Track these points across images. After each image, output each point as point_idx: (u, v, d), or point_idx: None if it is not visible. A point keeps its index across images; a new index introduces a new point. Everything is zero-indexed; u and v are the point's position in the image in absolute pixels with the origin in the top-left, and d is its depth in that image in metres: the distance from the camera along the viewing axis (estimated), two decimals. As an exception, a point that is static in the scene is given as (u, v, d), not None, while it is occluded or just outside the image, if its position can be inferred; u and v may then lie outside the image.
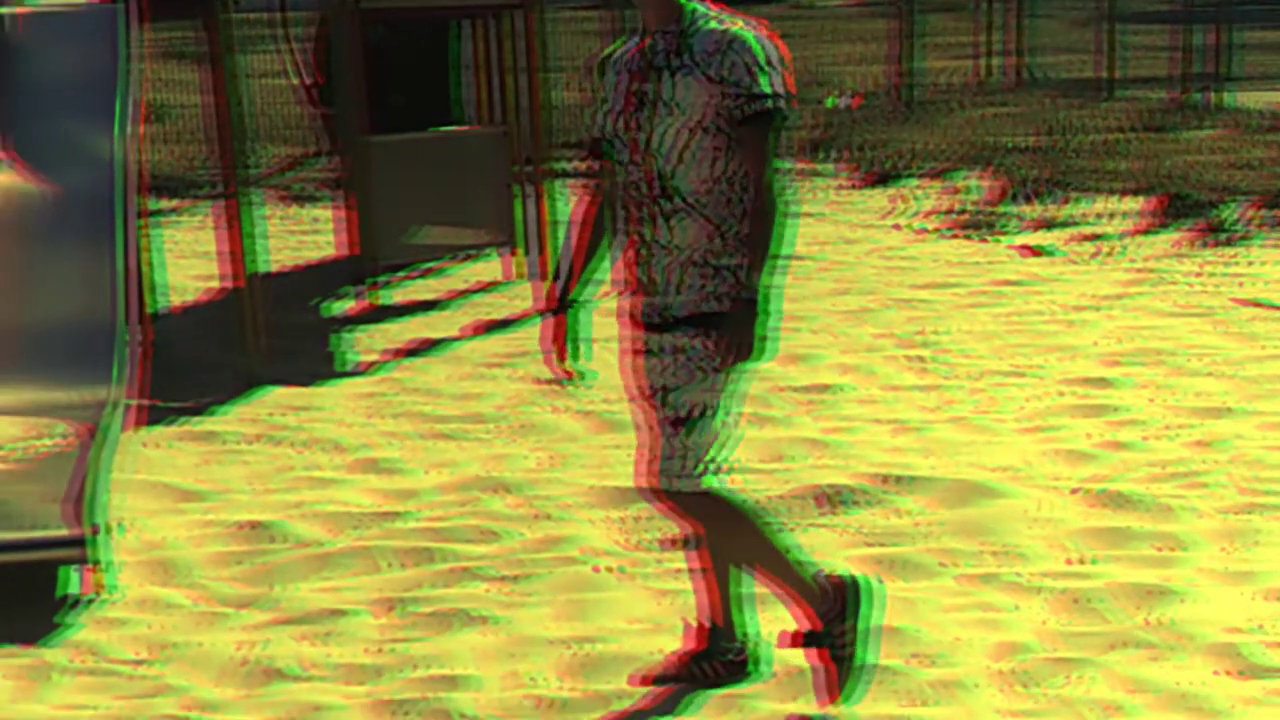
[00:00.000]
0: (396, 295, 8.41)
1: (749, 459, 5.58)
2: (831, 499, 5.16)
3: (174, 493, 5.37)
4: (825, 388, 6.52)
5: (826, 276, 8.78)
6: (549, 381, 3.85)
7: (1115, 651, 4.00)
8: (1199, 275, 8.53)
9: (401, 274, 8.80)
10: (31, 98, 6.13)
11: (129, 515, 5.10)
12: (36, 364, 5.44)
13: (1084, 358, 6.92)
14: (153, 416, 6.07)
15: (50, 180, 5.89)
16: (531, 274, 8.49)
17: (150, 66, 7.95)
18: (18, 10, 6.36)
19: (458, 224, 8.55)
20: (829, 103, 16.33)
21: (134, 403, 5.34)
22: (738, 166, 3.49)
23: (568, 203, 9.41)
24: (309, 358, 7.17)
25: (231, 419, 6.23)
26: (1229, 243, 9.31)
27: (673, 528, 4.48)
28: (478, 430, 6.05)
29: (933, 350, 7.09)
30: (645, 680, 3.87)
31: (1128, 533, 4.81)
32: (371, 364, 7.10)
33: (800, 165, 12.60)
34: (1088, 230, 9.83)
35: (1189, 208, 10.17)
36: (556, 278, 3.80)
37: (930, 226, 10.21)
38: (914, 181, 11.78)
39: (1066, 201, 10.73)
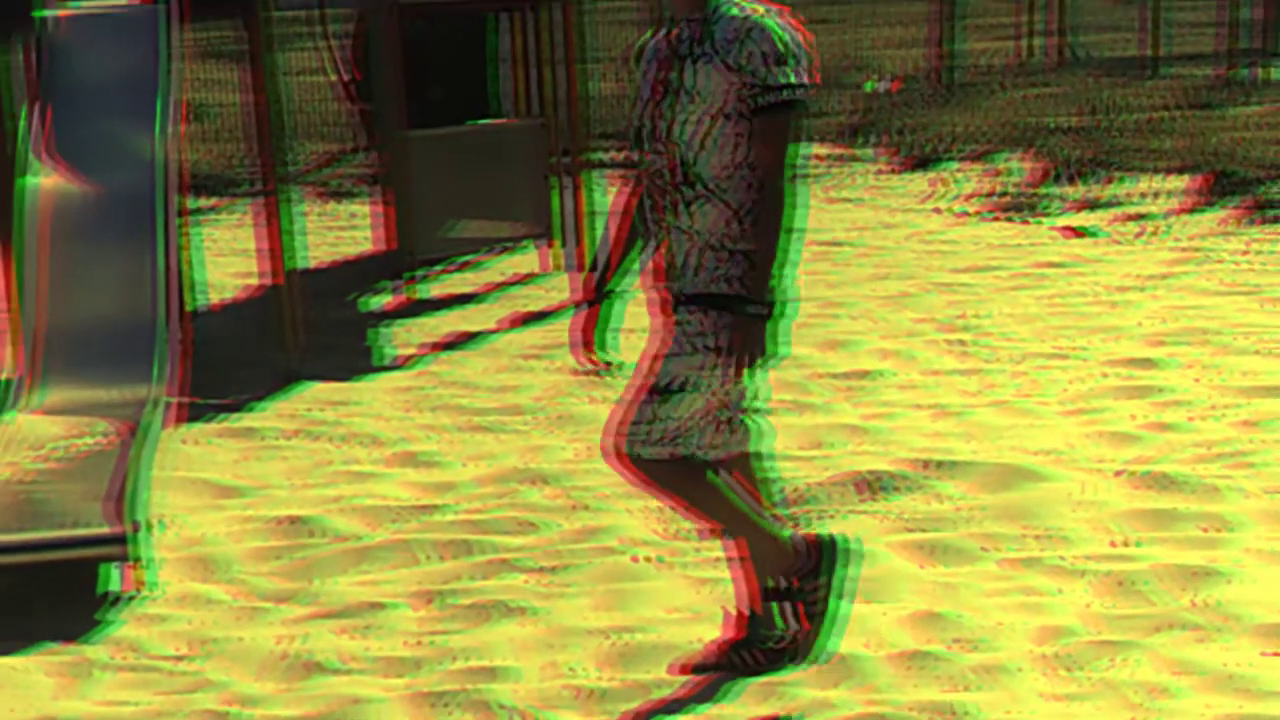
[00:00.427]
0: (434, 289, 8.41)
1: (788, 446, 5.55)
2: (872, 485, 5.12)
3: (213, 489, 5.39)
4: (865, 373, 6.47)
5: (866, 262, 8.72)
6: (586, 372, 3.82)
7: (1161, 634, 3.95)
8: (1245, 253, 8.42)
9: (439, 268, 8.81)
10: (74, 98, 6.16)
11: (169, 512, 5.12)
12: (79, 362, 5.48)
13: (1128, 339, 6.83)
14: (192, 413, 6.10)
15: (92, 180, 5.92)
16: (569, 265, 8.48)
17: (189, 66, 7.98)
18: (61, 12, 6.40)
19: (495, 217, 8.55)
20: (868, 87, 16.22)
21: (174, 400, 5.36)
22: (758, 149, 3.48)
23: (605, 194, 9.39)
24: (347, 353, 7.19)
25: (270, 415, 6.25)
26: (1276, 220, 9.18)
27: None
28: (515, 422, 6.04)
29: (974, 334, 7.02)
30: (685, 669, 3.85)
31: (1173, 514, 4.75)
32: (409, 358, 7.11)
33: (839, 150, 12.53)
34: (1132, 210, 9.72)
35: (1235, 185, 10.03)
36: (594, 268, 3.80)
37: (971, 209, 10.12)
38: (954, 164, 11.68)
39: (1110, 181, 10.61)
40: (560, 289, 8.26)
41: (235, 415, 6.23)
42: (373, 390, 6.57)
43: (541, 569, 4.57)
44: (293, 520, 5.04)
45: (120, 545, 4.44)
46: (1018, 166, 11.36)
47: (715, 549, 4.49)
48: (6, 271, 6.33)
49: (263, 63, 6.77)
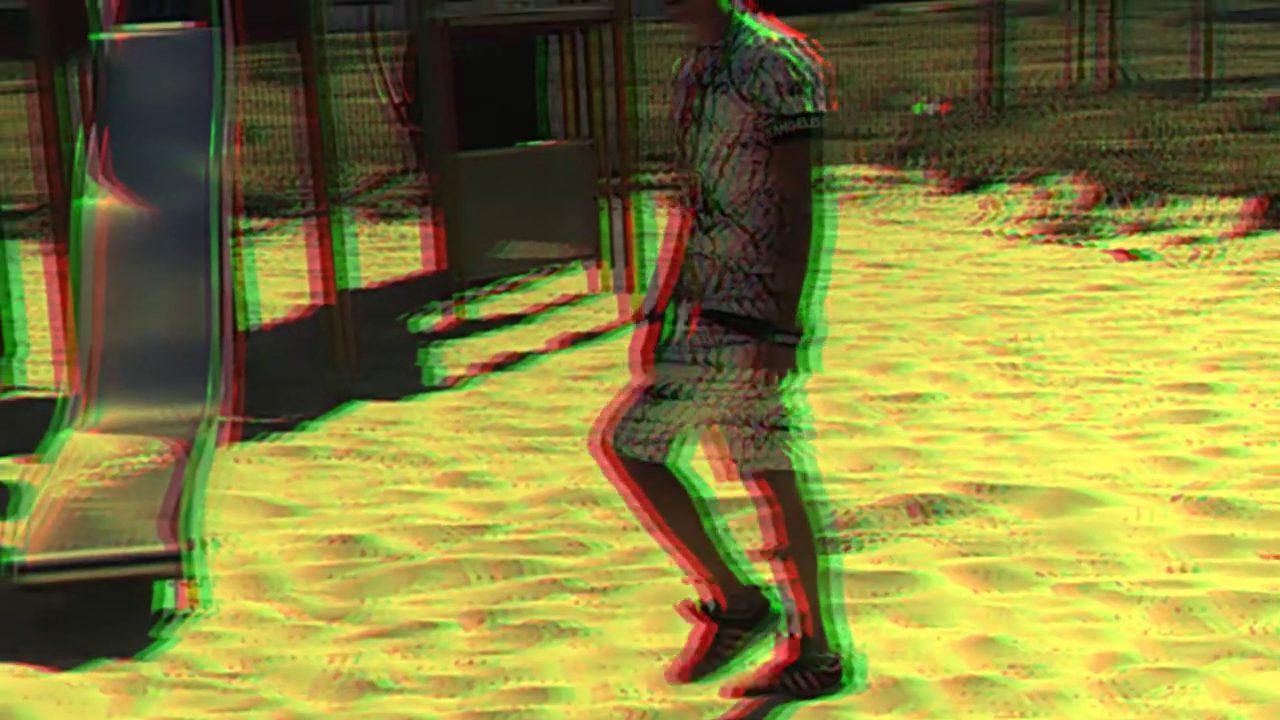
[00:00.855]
0: (483, 310, 8.44)
1: (839, 468, 5.53)
2: (925, 508, 5.08)
3: (266, 507, 5.42)
4: (916, 396, 6.43)
5: (916, 284, 8.68)
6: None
7: (1220, 661, 3.90)
8: (1301, 277, 8.33)
9: (488, 288, 8.84)
10: (131, 120, 6.23)
11: (222, 530, 5.15)
12: (134, 381, 5.52)
13: (1183, 363, 6.77)
14: (245, 432, 6.14)
15: (148, 201, 5.98)
16: (617, 287, 8.48)
17: (241, 88, 8.03)
18: (117, 35, 6.48)
19: (543, 238, 8.57)
20: (917, 109, 16.17)
21: (227, 419, 5.40)
22: (779, 176, 3.51)
23: (653, 215, 9.40)
24: (397, 373, 7.22)
25: (321, 434, 6.28)
26: (1332, 243, 9.08)
27: (759, 540, 4.44)
28: (565, 443, 6.04)
29: (1026, 357, 6.97)
30: (737, 692, 3.83)
31: (1231, 540, 4.69)
32: (459, 378, 7.13)
33: (888, 172, 12.49)
34: (1185, 233, 9.63)
35: (1290, 209, 9.93)
36: (650, 288, 3.84)
37: (1022, 232, 10.06)
38: (1005, 187, 11.62)
39: (1163, 204, 10.52)
40: (609, 310, 8.27)
41: (287, 434, 6.26)
42: (423, 410, 6.60)
43: (592, 590, 4.56)
44: (344, 539, 5.06)
45: (175, 563, 4.47)
46: (1069, 189, 11.29)
47: (765, 572, 4.47)
48: (64, 291, 6.41)
49: (315, 85, 6.83)
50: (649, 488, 3.65)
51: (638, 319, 3.89)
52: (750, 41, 3.51)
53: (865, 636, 4.07)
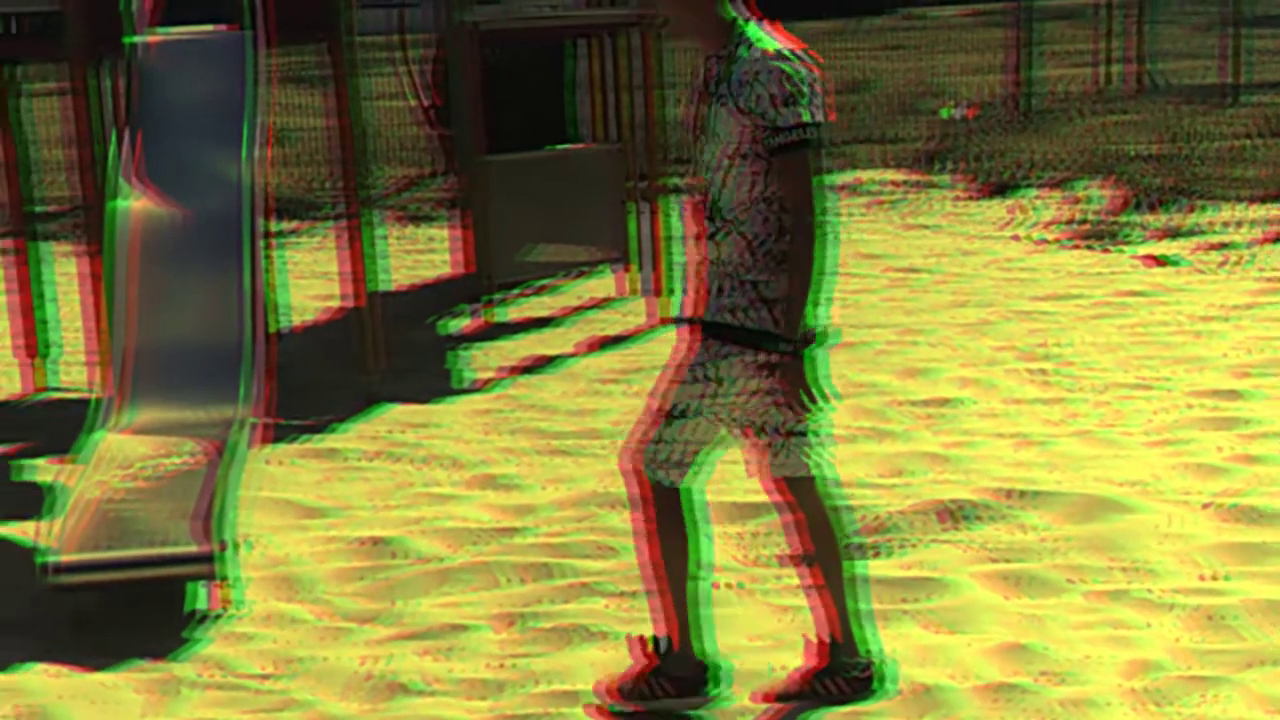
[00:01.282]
0: (511, 312, 8.46)
1: (868, 473, 5.53)
2: (954, 514, 5.08)
3: (297, 509, 5.45)
4: (945, 401, 6.43)
5: (944, 289, 8.67)
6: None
7: (1253, 669, 3.88)
8: (1332, 283, 8.29)
9: (516, 291, 8.86)
10: (163, 123, 6.27)
11: (254, 531, 5.18)
12: (167, 383, 5.55)
13: (1213, 369, 6.74)
14: (276, 434, 6.17)
15: (181, 203, 6.01)
16: (645, 290, 8.50)
17: (272, 91, 8.06)
18: (150, 38, 6.52)
19: (572, 241, 8.59)
20: (944, 113, 16.14)
21: (259, 421, 5.43)
22: (777, 189, 3.54)
23: (681, 219, 9.40)
24: (426, 375, 7.24)
25: (352, 436, 6.31)
26: (1363, 249, 9.03)
27: (787, 545, 4.44)
28: (594, 446, 6.06)
29: (1055, 363, 6.96)
30: (768, 697, 3.84)
31: (1263, 548, 4.67)
32: (488, 381, 7.15)
33: (915, 176, 12.47)
34: (1214, 239, 9.59)
35: (1320, 214, 9.89)
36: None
37: (1050, 237, 10.03)
38: (1033, 191, 11.59)
39: (1191, 210, 10.48)
40: (637, 313, 8.28)
41: (318, 436, 6.29)
42: (452, 413, 6.62)
43: (622, 593, 4.57)
44: (375, 541, 5.08)
45: (208, 564, 4.49)
46: (1097, 194, 11.26)
47: (795, 576, 4.48)
48: (97, 293, 6.45)
49: (346, 87, 6.86)
50: (662, 525, 3.73)
51: (668, 323, 3.97)
52: (746, 54, 3.52)
53: (895, 642, 4.07)
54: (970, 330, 7.65)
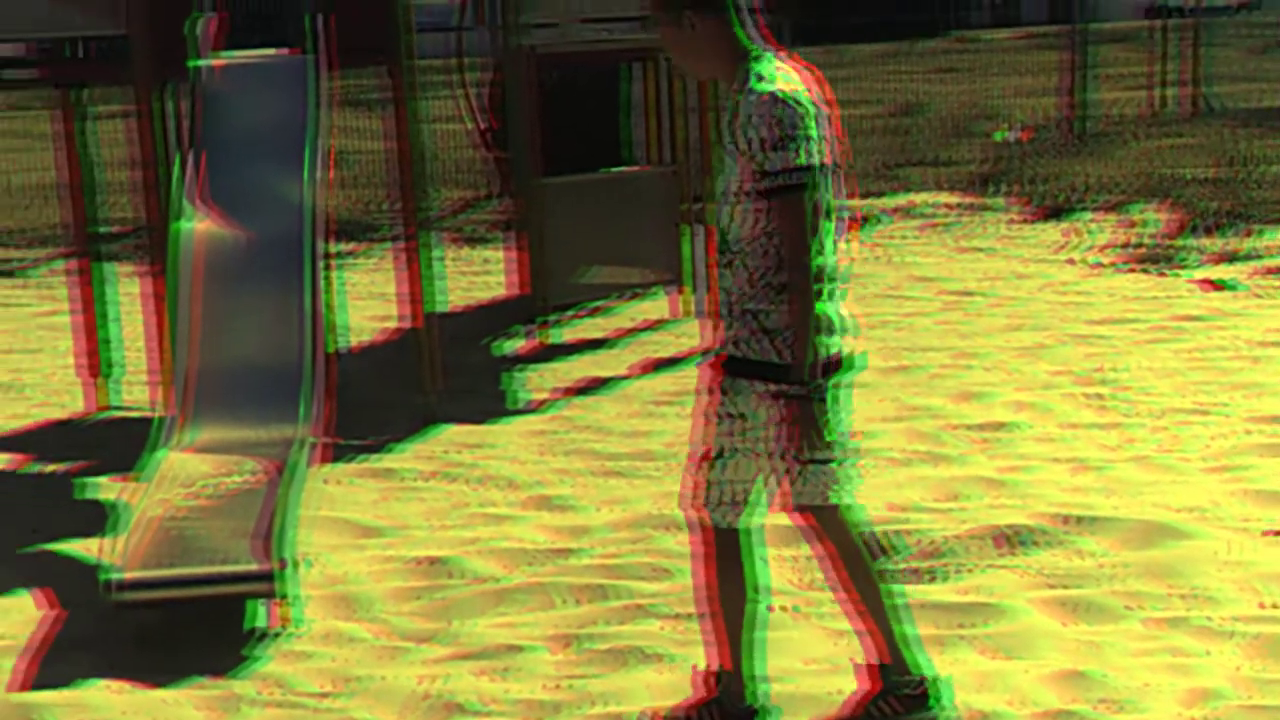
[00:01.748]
0: (566, 334, 8.50)
1: (923, 497, 5.52)
2: (1011, 539, 5.06)
3: (354, 528, 5.50)
4: (1000, 425, 6.41)
5: (999, 312, 8.64)
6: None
7: (1315, 700, 3.85)
8: (1394, 308, 8.19)
9: (570, 313, 8.91)
10: (227, 145, 6.36)
11: (312, 550, 5.23)
12: (228, 402, 5.63)
13: (1271, 395, 6.69)
14: (334, 454, 6.23)
15: (243, 225, 6.10)
16: (698, 312, 8.52)
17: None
18: (215, 62, 6.62)
19: (626, 263, 8.63)
20: (998, 136, 16.10)
21: (319, 440, 5.49)
22: (778, 225, 3.56)
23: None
24: (482, 396, 7.29)
25: (409, 456, 6.36)
26: None
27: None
28: (648, 467, 6.08)
29: (1112, 387, 6.92)
30: (824, 722, 3.84)
31: (1325, 576, 4.63)
32: (542, 402, 7.19)
33: (969, 199, 12.44)
34: (1271, 263, 9.50)
35: (1381, 239, 9.77)
36: None
37: (1106, 261, 9.97)
38: (1088, 215, 11.53)
39: (1249, 234, 10.39)
40: (690, 335, 8.30)
41: (375, 456, 6.35)
42: (507, 433, 6.66)
43: (677, 615, 4.58)
44: (431, 561, 5.12)
45: (268, 582, 4.55)
46: (1153, 218, 11.18)
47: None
48: (160, 313, 6.55)
49: (405, 110, 6.94)
50: (722, 569, 3.77)
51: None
52: (741, 96, 3.55)
53: (952, 668, 4.06)
54: (1025, 354, 7.62)
